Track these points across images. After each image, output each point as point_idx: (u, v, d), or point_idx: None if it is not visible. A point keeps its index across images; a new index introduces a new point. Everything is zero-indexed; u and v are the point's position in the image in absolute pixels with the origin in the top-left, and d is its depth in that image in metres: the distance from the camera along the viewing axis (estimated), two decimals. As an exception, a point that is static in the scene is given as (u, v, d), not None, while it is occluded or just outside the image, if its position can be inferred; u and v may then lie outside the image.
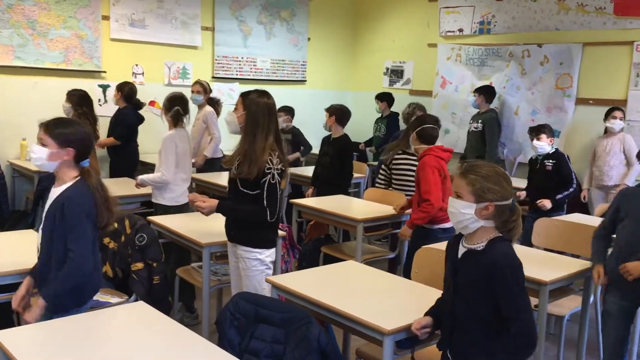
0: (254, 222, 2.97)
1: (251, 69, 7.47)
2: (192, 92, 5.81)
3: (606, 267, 3.00)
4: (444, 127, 7.09)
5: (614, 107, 5.44)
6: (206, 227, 3.46)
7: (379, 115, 7.22)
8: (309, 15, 7.90)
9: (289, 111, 6.56)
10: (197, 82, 5.90)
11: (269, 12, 7.52)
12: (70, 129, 2.42)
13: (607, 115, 5.38)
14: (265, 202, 2.91)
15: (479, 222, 2.07)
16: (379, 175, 5.03)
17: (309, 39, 7.94)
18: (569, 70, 6.12)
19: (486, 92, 6.33)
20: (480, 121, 6.26)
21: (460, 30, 7.12)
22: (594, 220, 4.11)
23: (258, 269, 3.00)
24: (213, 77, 7.06)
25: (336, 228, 5.22)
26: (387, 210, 4.29)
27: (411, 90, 7.72)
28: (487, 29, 6.86)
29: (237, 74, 7.34)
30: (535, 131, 4.92)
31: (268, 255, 3.04)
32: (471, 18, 7.00)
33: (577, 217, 4.31)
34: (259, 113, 2.96)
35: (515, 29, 6.57)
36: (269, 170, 2.91)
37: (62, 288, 2.33)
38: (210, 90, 6.01)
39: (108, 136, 5.65)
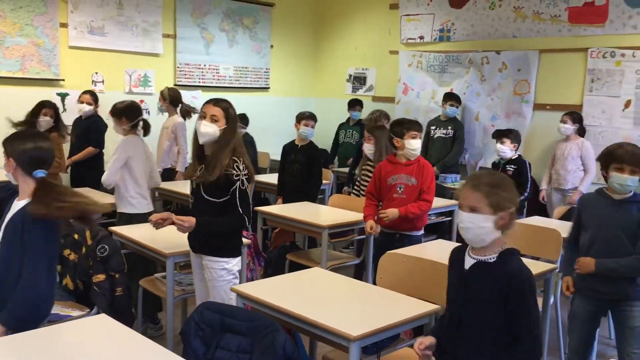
0: (234, 231, 2.99)
1: (214, 76, 7.42)
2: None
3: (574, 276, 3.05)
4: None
5: (566, 112, 5.59)
6: (169, 237, 3.42)
7: (344, 121, 7.26)
8: (271, 22, 7.91)
9: (243, 118, 6.59)
10: (161, 92, 5.85)
11: (232, 20, 7.50)
12: (17, 141, 2.39)
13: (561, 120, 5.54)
14: (240, 209, 2.92)
15: (495, 233, 2.07)
16: (356, 185, 5.07)
17: (271, 46, 7.95)
18: (526, 77, 6.27)
19: (459, 101, 6.46)
20: (450, 127, 6.34)
21: (421, 37, 7.23)
22: (553, 223, 4.23)
23: (225, 278, 2.99)
24: (175, 85, 6.98)
25: (302, 235, 5.21)
26: (352, 216, 4.31)
27: (374, 97, 7.79)
28: (447, 36, 6.98)
29: (199, 82, 7.29)
30: (500, 135, 5.03)
31: (235, 264, 3.04)
32: (431, 26, 7.12)
33: (536, 220, 4.41)
34: (235, 123, 3.01)
35: (474, 36, 6.70)
36: (237, 177, 2.90)
37: (20, 311, 2.29)
38: (174, 98, 5.91)
39: (76, 145, 5.56)
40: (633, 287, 2.88)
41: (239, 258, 3.09)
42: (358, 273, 4.57)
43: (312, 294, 2.73)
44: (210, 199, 2.95)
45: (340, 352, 2.55)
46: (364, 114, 6.93)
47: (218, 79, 7.46)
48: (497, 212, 2.05)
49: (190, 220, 2.93)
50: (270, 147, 7.15)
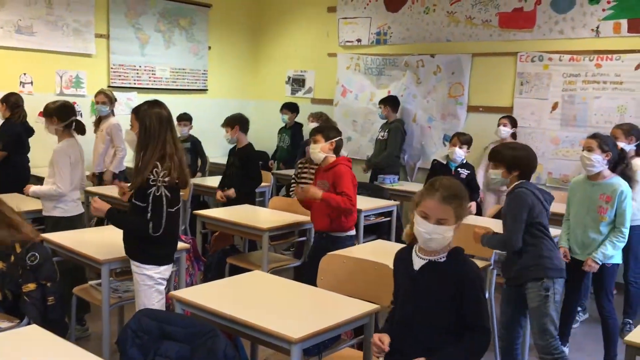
0: (137, 234, 2.94)
1: (150, 77, 7.27)
2: (97, 102, 5.59)
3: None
4: (346, 134, 7.25)
5: (503, 116, 5.79)
6: (104, 242, 3.33)
7: (283, 125, 7.27)
8: (208, 23, 7.82)
9: (189, 119, 6.51)
10: (102, 92, 5.65)
11: (168, 20, 7.37)
12: None
13: (498, 123, 5.72)
14: (149, 215, 2.86)
15: (450, 239, 2.18)
16: (291, 187, 5.08)
17: (209, 47, 7.85)
18: (460, 80, 6.45)
19: (391, 103, 6.53)
20: (387, 130, 6.45)
21: (359, 40, 7.32)
22: (487, 222, 4.35)
23: (146, 284, 2.96)
24: (109, 87, 6.79)
25: (242, 238, 5.17)
26: (293, 218, 4.31)
27: (313, 99, 7.83)
28: (383, 39, 7.09)
29: (135, 83, 7.12)
30: (462, 141, 5.15)
31: (159, 272, 2.99)
32: (368, 29, 7.22)
33: (471, 219, 4.53)
34: (152, 124, 2.91)
35: (410, 39, 6.84)
36: (154, 183, 2.85)
37: None
38: (116, 100, 5.77)
39: None
40: (523, 269, 3.08)
41: (166, 267, 3.04)
42: (298, 275, 4.58)
43: (252, 298, 2.71)
44: (136, 202, 2.93)
45: (282, 355, 2.55)
46: (302, 115, 6.96)
47: (154, 81, 7.31)
48: (457, 222, 2.18)
49: (103, 206, 3.02)
50: (209, 150, 7.06)
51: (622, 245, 3.56)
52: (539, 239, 3.07)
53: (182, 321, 2.33)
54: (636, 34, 5.34)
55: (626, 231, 3.52)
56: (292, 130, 7.13)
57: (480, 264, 3.40)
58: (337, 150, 3.99)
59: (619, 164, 3.61)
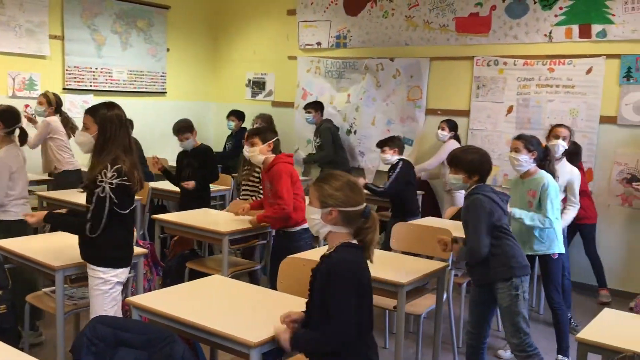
0: (76, 233, 2.94)
1: (106, 80, 7.14)
2: (37, 104, 5.52)
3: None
4: (305, 137, 7.27)
5: (443, 120, 5.99)
6: (58, 247, 3.25)
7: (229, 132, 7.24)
8: (166, 25, 7.73)
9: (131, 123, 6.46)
10: (42, 94, 5.56)
11: (124, 22, 7.25)
12: None
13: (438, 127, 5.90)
14: (88, 215, 2.85)
15: (326, 226, 2.22)
16: (243, 191, 5.09)
17: (168, 49, 7.76)
18: (418, 83, 6.54)
19: (318, 107, 6.66)
20: (319, 135, 6.55)
21: (319, 43, 7.35)
22: (445, 223, 4.42)
23: (100, 289, 2.91)
24: (64, 89, 6.65)
25: (201, 242, 5.13)
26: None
27: (274, 102, 7.82)
28: (343, 43, 7.14)
29: (91, 86, 6.98)
30: (381, 145, 5.25)
31: (115, 274, 2.94)
32: (328, 32, 7.25)
33: (430, 221, 4.61)
34: (112, 127, 2.90)
35: (370, 43, 6.90)
36: (100, 183, 2.82)
37: None
38: (59, 103, 5.63)
39: None
40: (491, 270, 3.14)
41: (123, 270, 2.99)
42: (254, 278, 4.60)
43: (212, 302, 2.69)
44: (87, 204, 2.90)
45: (241, 360, 2.54)
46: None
47: (111, 83, 7.18)
48: (323, 207, 2.21)
49: (37, 215, 3.00)
50: (168, 153, 6.97)
51: (540, 226, 3.66)
52: (503, 240, 3.14)
53: (138, 327, 2.29)
54: (587, 39, 5.51)
55: (548, 220, 3.63)
56: (237, 137, 7.10)
57: (438, 264, 3.46)
58: (275, 150, 4.10)
59: (544, 161, 3.80)
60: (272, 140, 4.07)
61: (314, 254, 3.39)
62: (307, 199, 2.73)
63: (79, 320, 3.72)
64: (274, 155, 4.07)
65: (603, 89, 5.44)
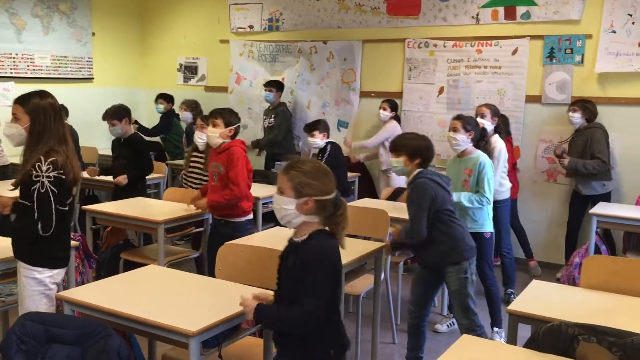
0: (27, 238, 2.72)
1: (28, 66, 6.81)
2: None
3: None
4: (242, 122, 7.13)
5: (383, 100, 6.01)
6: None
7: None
8: (91, 8, 7.42)
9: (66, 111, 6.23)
10: None
11: (45, 5, 6.91)
12: None
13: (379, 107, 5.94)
14: (36, 214, 2.67)
15: (300, 217, 2.14)
16: (186, 176, 4.99)
17: (93, 33, 7.47)
18: (352, 66, 6.57)
19: (278, 86, 6.54)
20: (273, 116, 6.44)
21: (251, 26, 7.25)
22: (381, 204, 4.49)
23: (34, 289, 2.74)
24: (-18, 76, 6.30)
25: (136, 232, 5.00)
26: (189, 209, 4.22)
27: (206, 87, 7.68)
28: (276, 26, 7.07)
29: (12, 72, 6.64)
30: (310, 129, 5.27)
31: (50, 275, 2.79)
32: (260, 15, 7.16)
33: (366, 202, 4.67)
34: (46, 117, 2.72)
35: (302, 26, 6.87)
36: (37, 179, 2.65)
37: None
38: None
39: None
40: (441, 255, 3.24)
41: (59, 271, 2.85)
42: (199, 266, 4.52)
43: (148, 293, 2.63)
44: (22, 200, 2.72)
45: (181, 350, 2.51)
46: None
47: (33, 69, 6.86)
48: (299, 197, 2.12)
49: None
50: (97, 141, 6.75)
51: (478, 206, 3.77)
52: (449, 224, 3.23)
53: (71, 322, 2.22)
54: (512, 21, 5.68)
55: (485, 199, 3.75)
56: (166, 118, 6.97)
57: (375, 245, 3.51)
58: (234, 137, 4.01)
59: (480, 141, 3.94)
60: (235, 126, 3.97)
61: (251, 240, 3.38)
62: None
63: (8, 317, 3.56)
64: (230, 139, 3.97)
65: (528, 69, 5.64)
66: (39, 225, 2.67)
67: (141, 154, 4.92)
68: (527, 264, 5.47)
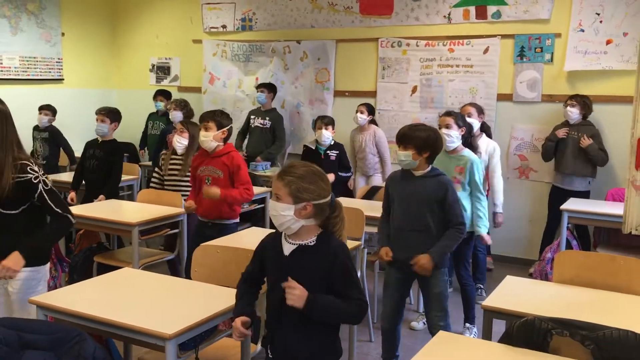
0: (65, 234, 2.89)
1: (-4, 67, 6.67)
2: None
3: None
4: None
5: (361, 103, 5.92)
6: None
7: (154, 112, 6.99)
8: (60, 8, 7.30)
9: (50, 109, 6.17)
10: None
11: (13, 5, 6.78)
12: None
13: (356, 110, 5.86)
14: (60, 210, 2.72)
15: (299, 222, 2.13)
16: (153, 177, 4.94)
17: (63, 34, 7.35)
18: (326, 65, 6.58)
19: (270, 88, 6.47)
20: (267, 118, 6.38)
21: (224, 26, 7.21)
22: (357, 203, 4.51)
23: (39, 290, 2.77)
24: (-52, 78, 6.16)
25: (109, 235, 4.93)
26: (163, 211, 4.19)
27: (180, 87, 7.61)
28: (249, 25, 7.05)
29: (-22, 74, 6.50)
30: (327, 123, 5.38)
31: (46, 270, 2.84)
32: (233, 15, 7.13)
33: (342, 201, 4.66)
34: (5, 121, 2.66)
35: (276, 26, 6.85)
36: (37, 180, 2.67)
37: None
38: None
39: None
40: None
41: (48, 264, 2.88)
42: (173, 268, 4.49)
43: (123, 296, 2.60)
44: (7, 211, 2.68)
45: (157, 353, 2.48)
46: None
47: (1, 71, 6.73)
48: (297, 202, 2.11)
49: (16, 264, 2.65)
50: (70, 143, 6.64)
51: (485, 211, 3.84)
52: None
53: (44, 328, 2.18)
54: (483, 20, 5.75)
55: (482, 196, 3.83)
56: (167, 118, 6.89)
57: (352, 243, 3.52)
58: (226, 139, 4.00)
59: (468, 137, 3.96)
60: (227, 127, 3.94)
61: (227, 241, 3.36)
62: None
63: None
64: (224, 144, 3.96)
65: (499, 68, 5.71)
66: (69, 216, 2.74)
67: (114, 164, 4.85)
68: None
